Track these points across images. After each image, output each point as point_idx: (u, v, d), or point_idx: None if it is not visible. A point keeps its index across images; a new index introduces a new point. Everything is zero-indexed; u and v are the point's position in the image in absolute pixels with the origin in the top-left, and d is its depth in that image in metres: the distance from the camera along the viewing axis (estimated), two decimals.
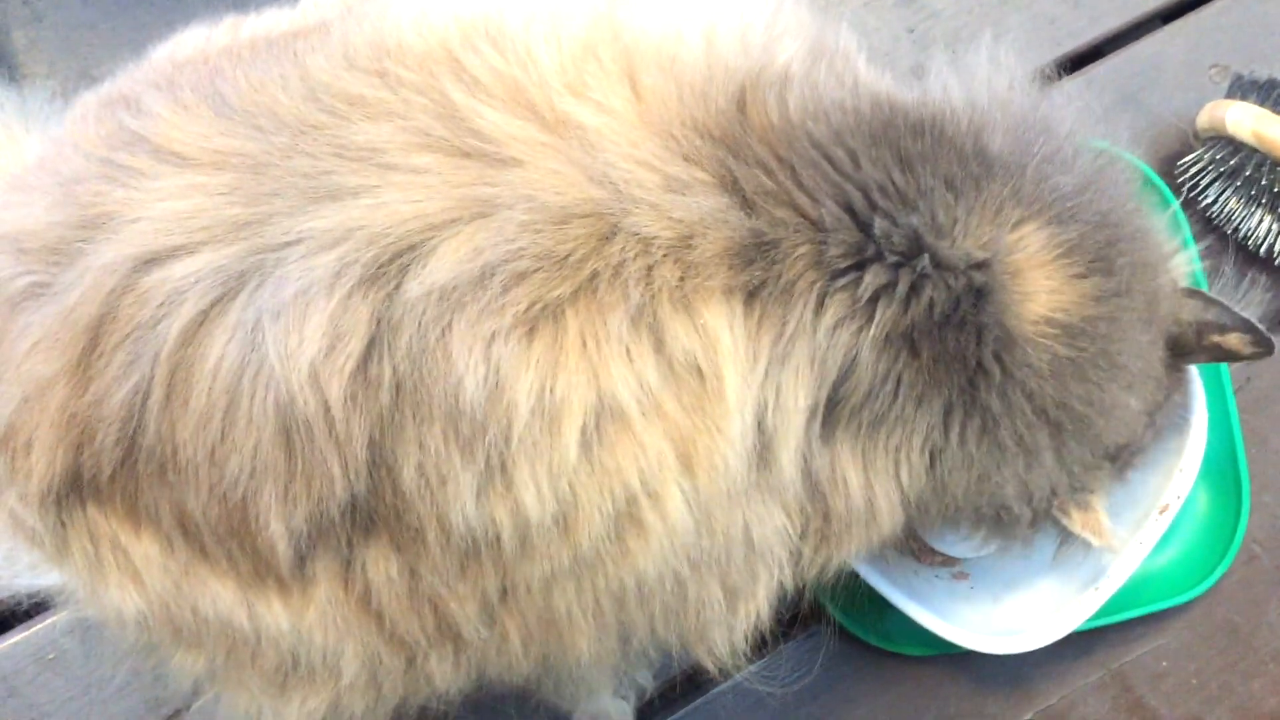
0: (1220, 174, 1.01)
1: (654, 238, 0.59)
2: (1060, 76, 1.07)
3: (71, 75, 1.06)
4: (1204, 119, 1.02)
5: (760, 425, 0.63)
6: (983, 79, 0.71)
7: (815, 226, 0.62)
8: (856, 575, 0.85)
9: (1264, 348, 0.77)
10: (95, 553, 0.64)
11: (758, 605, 0.69)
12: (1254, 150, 0.98)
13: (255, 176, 0.59)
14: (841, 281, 0.63)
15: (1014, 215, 0.65)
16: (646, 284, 0.59)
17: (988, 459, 0.68)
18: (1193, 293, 0.78)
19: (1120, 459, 0.78)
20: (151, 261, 0.59)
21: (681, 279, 0.60)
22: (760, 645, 0.74)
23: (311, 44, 0.64)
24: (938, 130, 0.65)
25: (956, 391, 0.66)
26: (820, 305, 0.62)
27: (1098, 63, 1.09)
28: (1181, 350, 0.78)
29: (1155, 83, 1.08)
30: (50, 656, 0.93)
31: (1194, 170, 1.03)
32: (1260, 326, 0.77)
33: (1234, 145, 1.00)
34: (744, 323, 0.61)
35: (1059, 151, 0.68)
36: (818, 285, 0.62)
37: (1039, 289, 0.66)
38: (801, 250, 0.62)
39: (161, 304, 0.59)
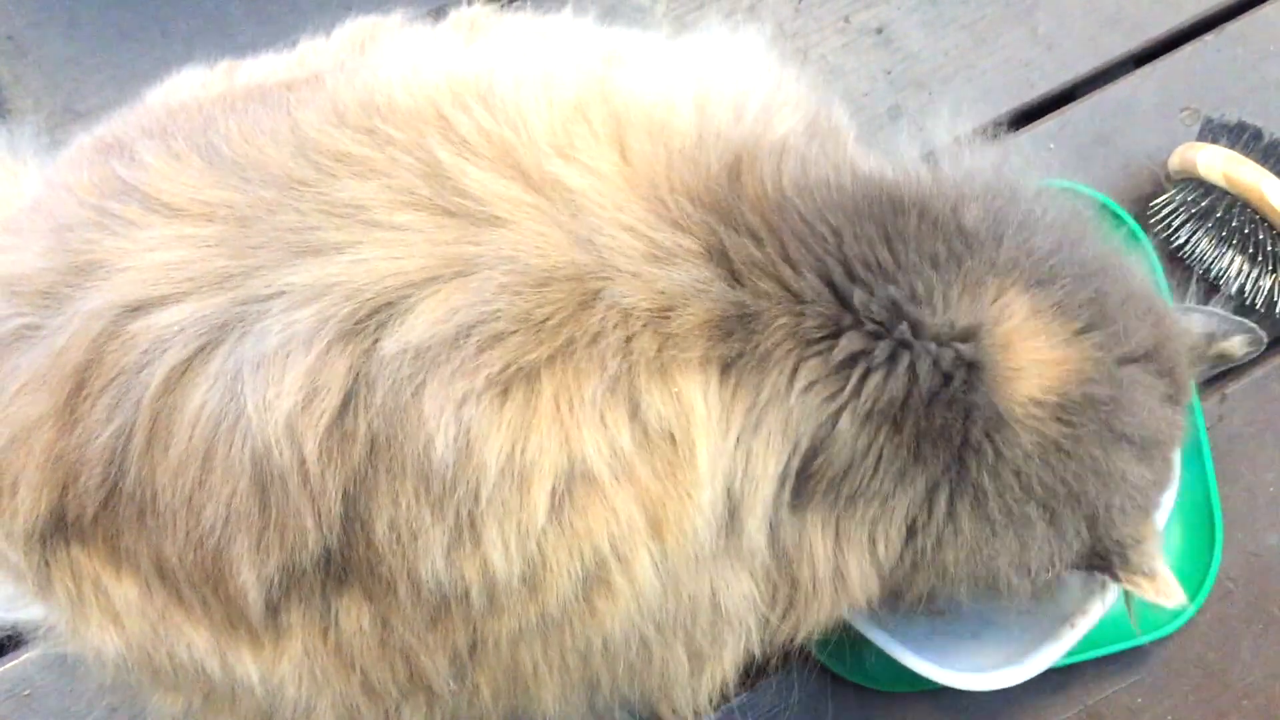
0: (1192, 215, 1.02)
1: (634, 307, 0.60)
2: (1033, 120, 1.10)
3: (56, 109, 1.06)
4: (1176, 161, 1.04)
5: (729, 492, 0.63)
6: (947, 150, 0.72)
7: (796, 299, 0.62)
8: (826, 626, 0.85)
9: (1255, 346, 0.86)
10: (78, 592, 0.64)
11: (723, 670, 0.69)
12: (1225, 192, 1.00)
13: (242, 229, 0.60)
14: (816, 348, 0.63)
15: (995, 285, 0.66)
16: (624, 354, 0.59)
17: (978, 535, 0.68)
18: (1187, 308, 0.81)
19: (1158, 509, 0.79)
20: (138, 309, 0.60)
21: (659, 350, 0.60)
22: (740, 681, 0.74)
23: (303, 97, 0.64)
24: (919, 207, 0.65)
25: (942, 469, 0.65)
26: (794, 372, 0.62)
27: (1070, 105, 1.10)
28: (1194, 364, 0.81)
29: (1127, 125, 1.09)
30: (25, 693, 0.92)
31: (1166, 212, 1.04)
32: (1253, 324, 0.85)
33: (1205, 187, 1.01)
34: (719, 391, 0.61)
35: (1030, 214, 0.69)
36: (793, 354, 0.62)
37: (1030, 362, 0.66)
38: (781, 321, 0.62)
39: (146, 350, 0.59)
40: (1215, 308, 0.85)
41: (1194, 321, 0.82)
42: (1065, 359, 0.67)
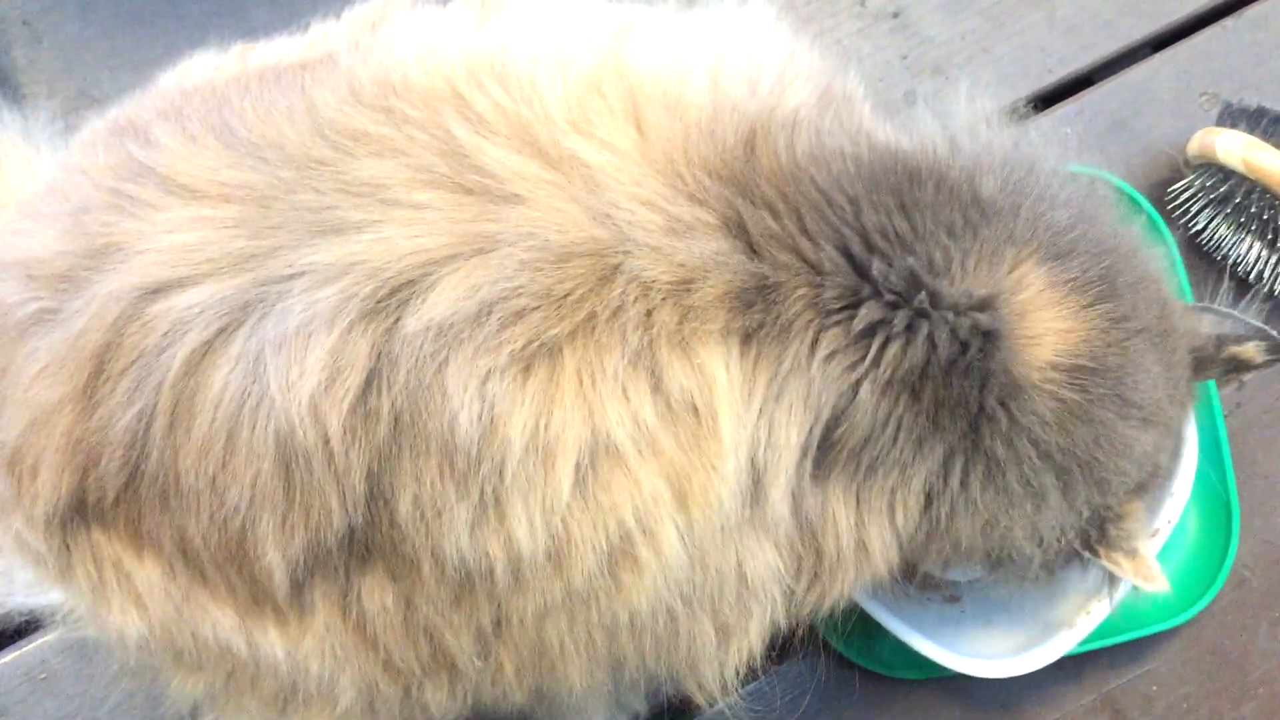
0: (1210, 201, 1.02)
1: (654, 281, 0.60)
2: (1050, 104, 1.09)
3: (71, 95, 1.06)
4: (1194, 146, 1.03)
5: (753, 462, 0.63)
6: (965, 124, 0.72)
7: (815, 270, 0.63)
8: (848, 600, 0.85)
9: (1275, 353, 0.80)
10: (99, 575, 0.65)
11: (750, 642, 0.69)
12: (1244, 178, 0.99)
13: (260, 210, 0.60)
14: (836, 318, 0.63)
15: (1011, 256, 0.66)
16: (645, 326, 0.59)
17: (993, 504, 0.68)
18: (1203, 308, 0.80)
19: (1150, 491, 0.79)
20: (157, 291, 0.60)
21: (680, 322, 0.60)
22: (757, 667, 0.74)
23: (318, 77, 0.64)
24: (935, 178, 0.66)
25: (958, 437, 0.66)
26: (815, 342, 0.63)
27: (1088, 90, 1.10)
28: (1201, 366, 0.79)
29: (1146, 110, 1.09)
30: (42, 676, 0.93)
31: (1184, 197, 1.03)
32: (1274, 332, 0.79)
33: (1224, 172, 1.01)
34: (740, 362, 0.62)
35: (1048, 189, 0.69)
36: (814, 324, 0.63)
37: (1046, 330, 0.66)
38: (800, 293, 0.62)
39: (167, 333, 0.59)
40: (1232, 310, 0.81)
41: (1204, 321, 0.80)
42: (1078, 327, 0.67)
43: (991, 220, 0.66)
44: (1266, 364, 0.81)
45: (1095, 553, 0.76)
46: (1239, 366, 0.80)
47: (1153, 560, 0.78)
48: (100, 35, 1.08)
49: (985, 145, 0.70)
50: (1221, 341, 0.79)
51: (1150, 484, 0.78)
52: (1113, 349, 0.68)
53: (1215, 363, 0.79)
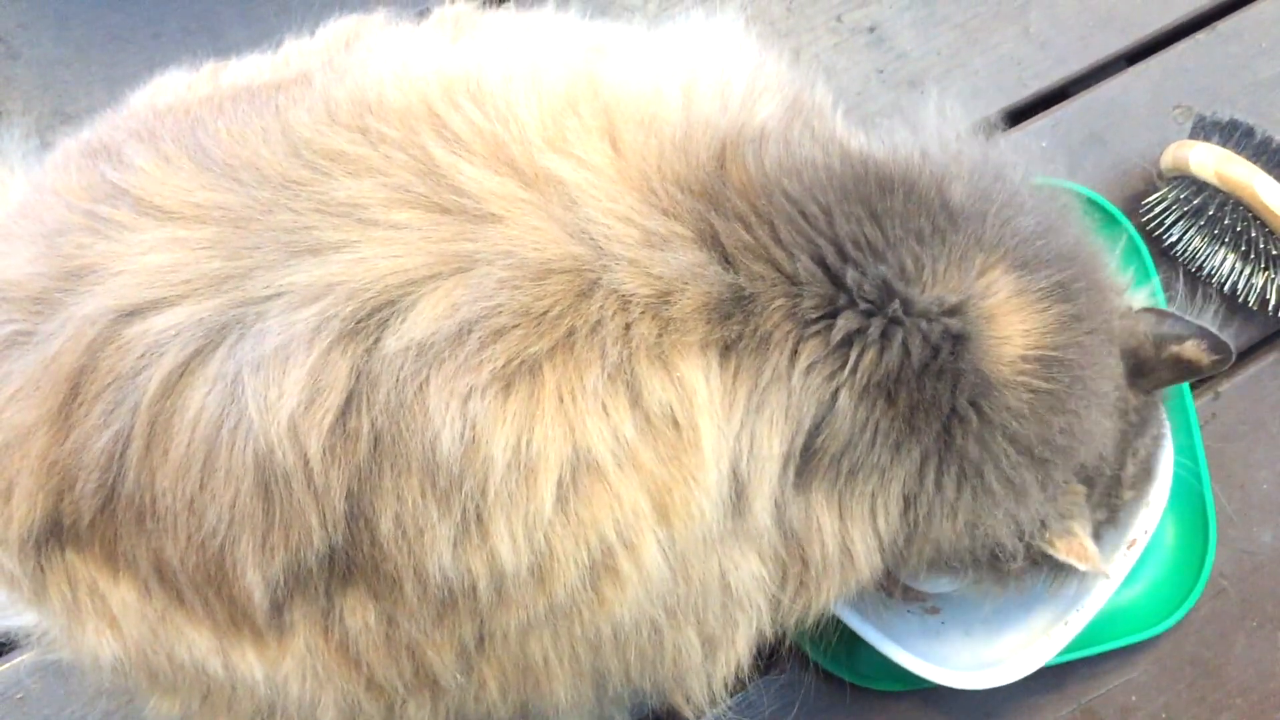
0: (1184, 213, 1.03)
1: (632, 294, 0.60)
2: (1025, 118, 1.10)
3: (46, 112, 1.06)
4: (1168, 159, 1.04)
5: (735, 473, 0.63)
6: (933, 132, 0.73)
7: (790, 281, 0.63)
8: (830, 612, 0.85)
9: (1222, 354, 0.78)
10: (73, 598, 0.64)
11: (737, 653, 0.69)
12: (1217, 190, 1.00)
13: (236, 230, 0.60)
14: (814, 329, 0.64)
15: (979, 261, 0.67)
16: (624, 341, 0.60)
17: (973, 505, 0.69)
18: (1147, 310, 0.80)
19: (1098, 486, 0.79)
20: (133, 313, 0.59)
21: (659, 335, 0.60)
22: (745, 677, 0.74)
23: (293, 96, 0.64)
24: (905, 186, 0.66)
25: (933, 439, 0.66)
26: (794, 353, 0.63)
27: (1063, 104, 1.11)
28: (1144, 368, 0.78)
29: (1120, 123, 1.09)
30: (18, 696, 0.92)
31: (1158, 209, 1.04)
32: (1215, 331, 0.77)
33: (1197, 185, 1.01)
34: (720, 374, 0.62)
35: (1016, 196, 0.70)
36: (792, 335, 0.63)
37: (1014, 331, 0.67)
38: (778, 304, 0.63)
39: (142, 355, 0.59)
40: (1175, 311, 0.79)
41: (1142, 321, 0.78)
42: (1040, 326, 0.68)
43: (960, 226, 0.67)
44: (1216, 365, 0.78)
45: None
46: (1189, 370, 0.79)
47: (1088, 541, 0.77)
48: (76, 52, 1.08)
49: (954, 154, 0.71)
50: (1161, 341, 0.78)
51: (1096, 475, 0.78)
52: (1072, 346, 0.69)
53: (1158, 364, 0.78)
